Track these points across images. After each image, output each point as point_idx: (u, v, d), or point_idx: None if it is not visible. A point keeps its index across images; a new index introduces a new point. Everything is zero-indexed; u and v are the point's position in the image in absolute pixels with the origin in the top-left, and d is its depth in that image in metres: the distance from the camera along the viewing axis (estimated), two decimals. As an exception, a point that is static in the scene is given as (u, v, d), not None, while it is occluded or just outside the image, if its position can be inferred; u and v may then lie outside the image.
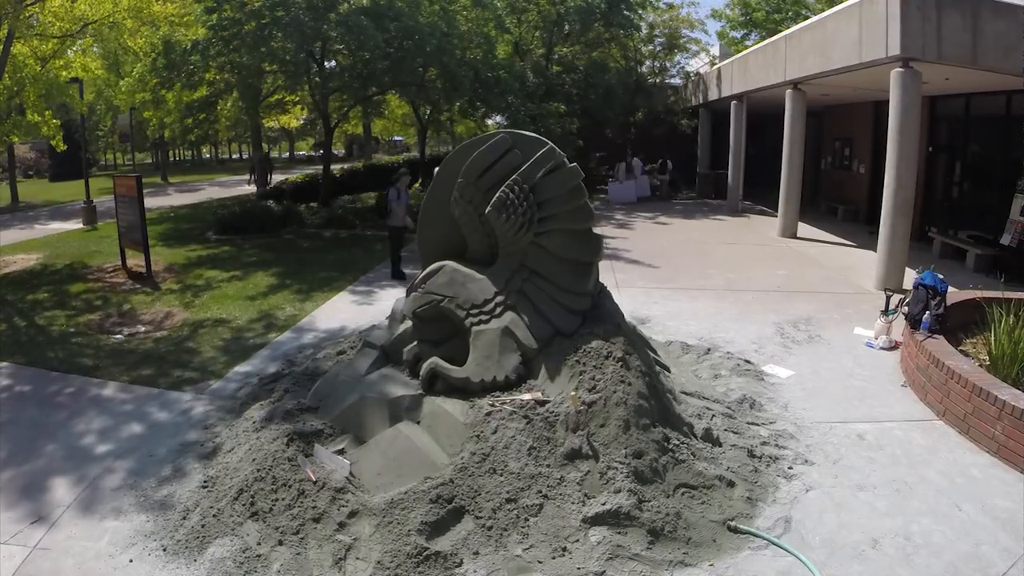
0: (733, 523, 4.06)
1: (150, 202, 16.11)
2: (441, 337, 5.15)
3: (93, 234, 15.84)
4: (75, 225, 17.37)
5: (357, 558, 3.80)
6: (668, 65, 24.74)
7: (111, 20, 14.34)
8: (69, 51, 16.82)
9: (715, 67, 21.14)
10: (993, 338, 5.85)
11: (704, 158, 23.44)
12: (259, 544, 3.91)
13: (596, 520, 3.89)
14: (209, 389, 6.41)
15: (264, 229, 15.08)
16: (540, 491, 4.07)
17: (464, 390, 4.76)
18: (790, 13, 28.55)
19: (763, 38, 25.60)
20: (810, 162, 17.10)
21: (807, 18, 19.84)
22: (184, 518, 4.26)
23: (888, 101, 9.70)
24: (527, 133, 5.33)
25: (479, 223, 5.19)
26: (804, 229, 14.96)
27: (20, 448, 5.25)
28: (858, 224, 15.92)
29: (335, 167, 23.69)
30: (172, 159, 49.66)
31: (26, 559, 3.94)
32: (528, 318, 4.92)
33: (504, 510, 3.98)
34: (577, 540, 3.82)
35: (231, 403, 5.99)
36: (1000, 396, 4.87)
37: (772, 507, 4.27)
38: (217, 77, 16.06)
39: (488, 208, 5.02)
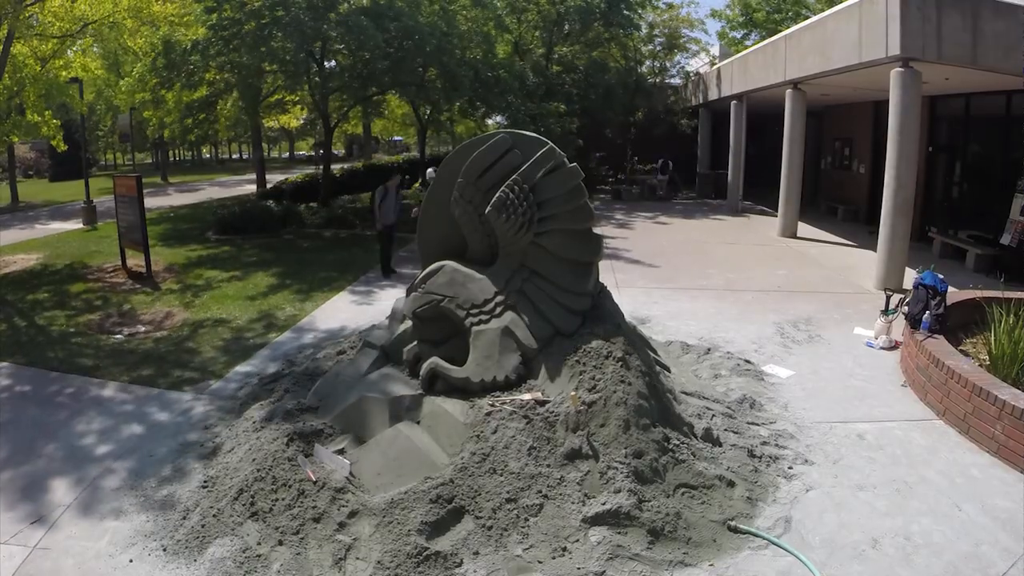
0: (733, 523, 4.06)
1: (150, 202, 16.14)
2: (441, 337, 5.15)
3: (93, 234, 15.85)
4: (75, 225, 17.39)
5: (357, 558, 3.80)
6: (668, 65, 24.72)
7: (111, 20, 14.36)
8: (69, 51, 16.84)
9: (715, 67, 21.14)
10: (993, 338, 5.85)
11: (704, 158, 23.45)
12: (259, 544, 3.91)
13: (596, 520, 3.89)
14: (209, 389, 6.41)
15: (264, 229, 15.10)
16: (540, 491, 4.07)
17: (464, 390, 4.76)
18: (790, 13, 28.58)
19: (763, 38, 25.63)
20: (810, 162, 17.10)
21: (807, 18, 19.84)
22: (184, 518, 4.26)
23: (888, 101, 9.70)
24: (527, 133, 5.33)
25: (479, 223, 5.19)
26: (804, 229, 14.96)
27: (20, 448, 5.25)
28: (858, 224, 15.92)
29: (335, 167, 23.69)
30: (172, 159, 49.71)
31: (26, 559, 3.94)
32: (528, 318, 4.92)
33: (504, 510, 3.98)
34: (577, 540, 3.82)
35: (231, 403, 6.00)
36: (1000, 396, 4.87)
37: (772, 507, 4.28)
38: (217, 77, 16.06)
39: (488, 208, 5.02)
